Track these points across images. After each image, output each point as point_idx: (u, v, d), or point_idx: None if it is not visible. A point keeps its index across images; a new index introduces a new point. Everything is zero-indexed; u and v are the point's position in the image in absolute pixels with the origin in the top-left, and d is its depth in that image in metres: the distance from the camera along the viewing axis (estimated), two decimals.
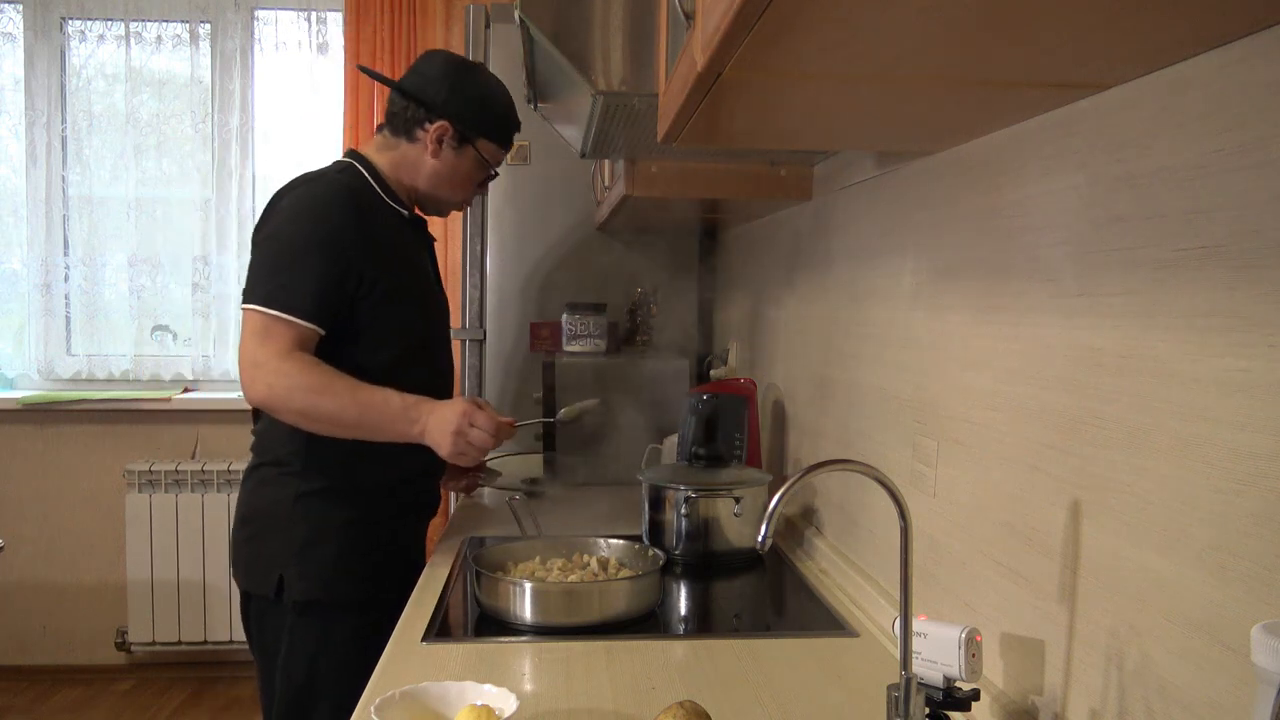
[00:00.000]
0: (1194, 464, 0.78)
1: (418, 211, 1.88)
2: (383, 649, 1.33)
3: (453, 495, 2.51)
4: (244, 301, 1.65)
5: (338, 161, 1.81)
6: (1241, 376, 0.73)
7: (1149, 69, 0.83)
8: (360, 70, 2.02)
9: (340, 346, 1.67)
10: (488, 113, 1.80)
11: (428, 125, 1.76)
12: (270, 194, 1.74)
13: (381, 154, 1.79)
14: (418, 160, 1.78)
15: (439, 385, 1.82)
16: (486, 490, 2.35)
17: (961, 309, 1.22)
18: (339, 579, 1.70)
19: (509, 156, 1.96)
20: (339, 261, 1.64)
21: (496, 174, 1.91)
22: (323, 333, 1.64)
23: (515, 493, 1.99)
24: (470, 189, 1.86)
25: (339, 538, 1.70)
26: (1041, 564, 1.01)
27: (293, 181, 1.72)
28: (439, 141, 1.77)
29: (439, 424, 1.63)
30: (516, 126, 1.85)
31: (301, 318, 1.61)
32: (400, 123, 1.78)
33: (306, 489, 1.70)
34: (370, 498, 1.73)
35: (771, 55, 0.83)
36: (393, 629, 1.45)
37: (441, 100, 1.76)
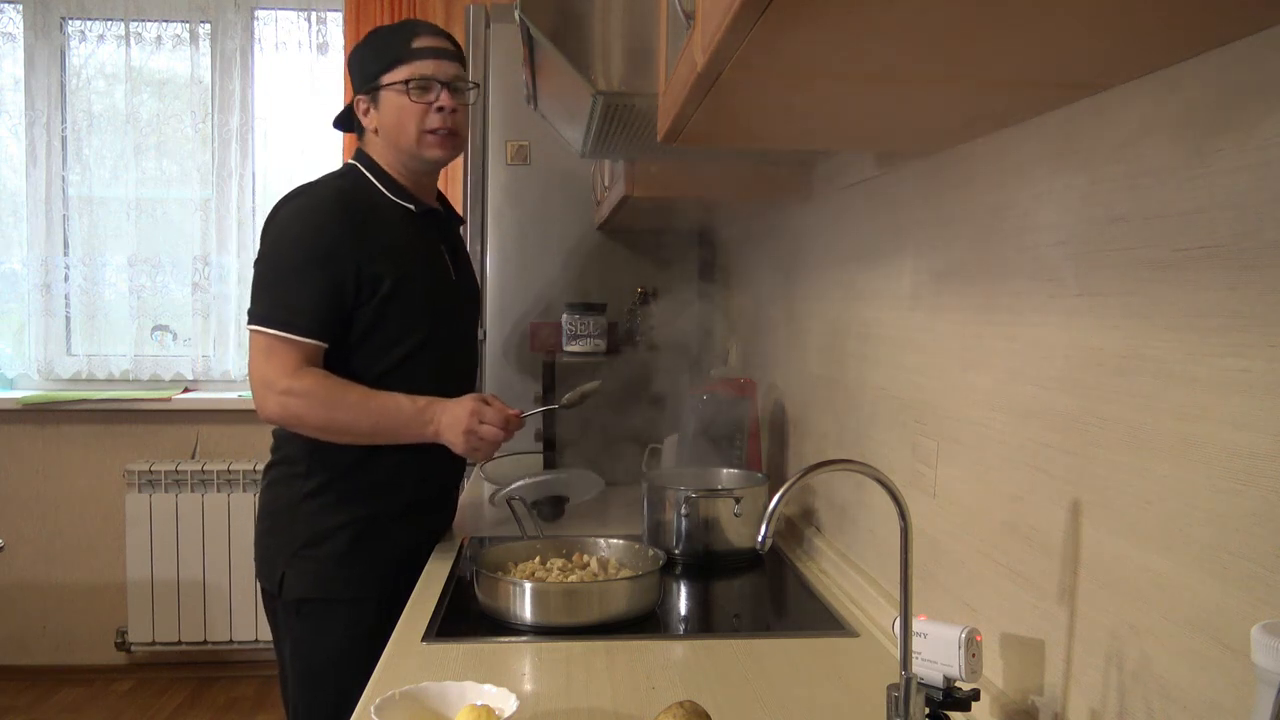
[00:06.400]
0: (1194, 464, 0.78)
1: (434, 203, 1.85)
2: (378, 643, 1.35)
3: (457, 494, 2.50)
4: (249, 322, 1.69)
5: (345, 164, 1.84)
6: (1241, 376, 0.73)
7: (1149, 69, 0.83)
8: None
9: (350, 352, 1.71)
10: (371, 59, 1.76)
11: (356, 111, 1.81)
12: (270, 194, 1.77)
13: (375, 151, 1.81)
14: (373, 138, 1.79)
15: (454, 379, 1.81)
16: (487, 490, 2.35)
17: (961, 309, 1.22)
18: (333, 577, 1.73)
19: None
20: (334, 272, 1.66)
21: (443, 85, 1.74)
22: (326, 345, 1.68)
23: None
24: (421, 113, 1.74)
25: (337, 538, 1.73)
26: (1041, 564, 1.01)
27: (288, 194, 1.75)
28: (365, 114, 1.79)
29: (451, 423, 1.67)
30: (408, 34, 1.75)
31: (303, 335, 1.65)
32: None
33: (311, 489, 1.74)
34: (372, 499, 1.75)
35: (771, 56, 0.83)
36: (388, 624, 1.46)
37: (354, 86, 1.81)
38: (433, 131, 1.75)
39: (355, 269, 1.67)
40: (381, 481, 1.75)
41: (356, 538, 1.74)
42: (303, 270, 1.66)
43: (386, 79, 1.74)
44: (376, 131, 1.78)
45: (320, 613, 1.73)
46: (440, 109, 1.74)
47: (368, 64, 1.77)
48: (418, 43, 1.74)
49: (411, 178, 1.80)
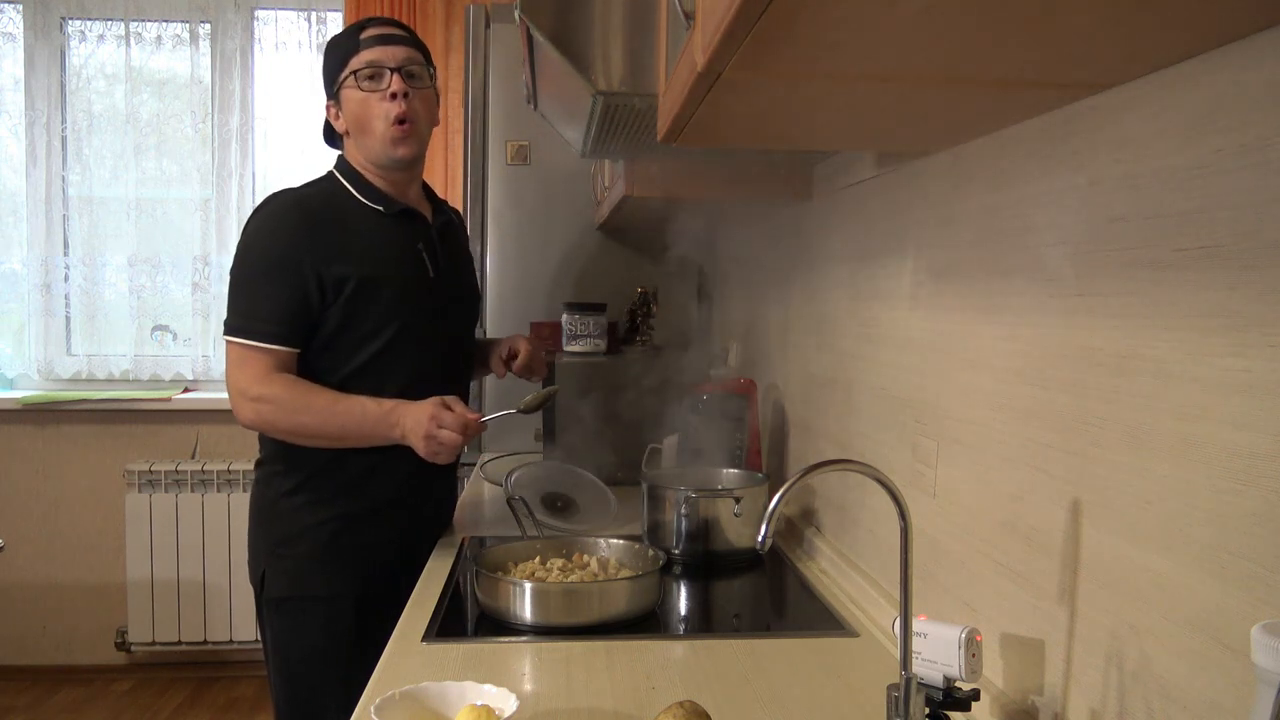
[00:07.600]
0: (1194, 464, 0.78)
1: (413, 202, 1.83)
2: (355, 641, 1.35)
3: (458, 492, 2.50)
4: (224, 332, 1.74)
5: (328, 170, 1.84)
6: (1241, 376, 0.73)
7: (1149, 69, 0.83)
8: None
9: (319, 353, 1.72)
10: (328, 64, 1.78)
11: (330, 120, 1.83)
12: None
13: (350, 154, 1.82)
14: (348, 143, 1.80)
15: (435, 379, 1.78)
16: (486, 490, 2.35)
17: (961, 309, 1.22)
18: (309, 576, 1.75)
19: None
20: (295, 278, 1.67)
21: (383, 68, 1.73)
22: (297, 350, 1.70)
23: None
24: (378, 104, 1.73)
25: (313, 536, 1.75)
26: (1041, 564, 1.01)
27: (261, 201, 1.77)
28: (336, 119, 1.80)
29: (413, 426, 1.67)
30: (357, 30, 1.76)
31: (272, 342, 1.68)
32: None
33: (288, 488, 1.77)
34: (347, 498, 1.76)
35: (771, 55, 0.83)
36: (364, 623, 1.47)
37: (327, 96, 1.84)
38: (391, 126, 1.73)
39: (316, 273, 1.68)
40: (355, 481, 1.76)
41: (331, 536, 1.75)
42: (265, 278, 1.69)
43: (342, 76, 1.75)
44: (348, 133, 1.79)
45: (297, 610, 1.75)
46: (394, 95, 1.72)
47: (327, 69, 1.79)
48: (365, 34, 1.75)
49: (384, 176, 1.79)
